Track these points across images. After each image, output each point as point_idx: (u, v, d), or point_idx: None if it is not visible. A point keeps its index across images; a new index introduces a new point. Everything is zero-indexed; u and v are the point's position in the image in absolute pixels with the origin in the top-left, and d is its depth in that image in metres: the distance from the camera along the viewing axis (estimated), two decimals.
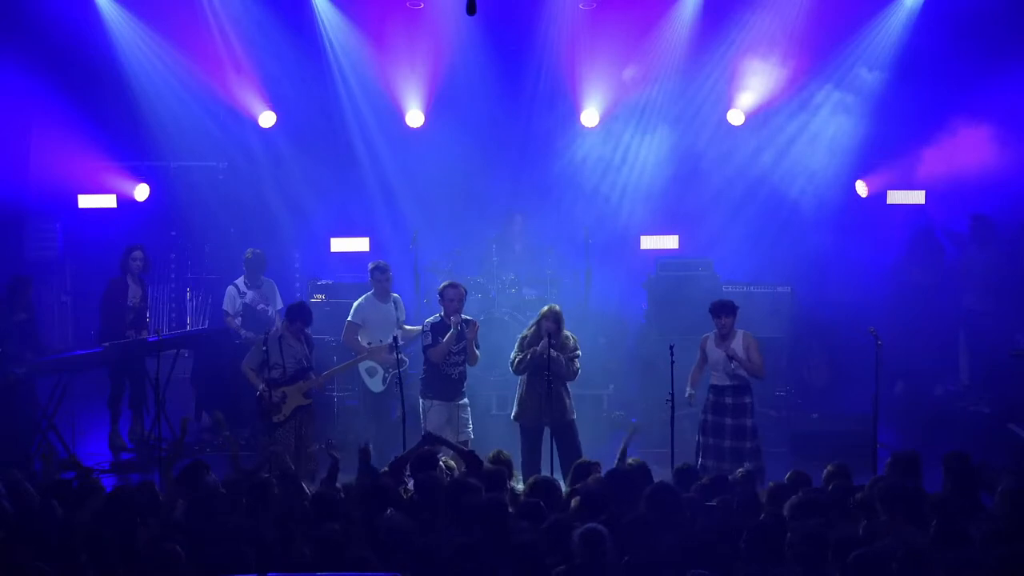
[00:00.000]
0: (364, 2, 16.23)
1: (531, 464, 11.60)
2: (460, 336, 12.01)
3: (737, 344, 11.81)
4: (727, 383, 11.80)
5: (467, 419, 12.18)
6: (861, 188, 16.24)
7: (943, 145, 15.72)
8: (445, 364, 12.01)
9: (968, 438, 12.70)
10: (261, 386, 11.98)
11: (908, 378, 15.24)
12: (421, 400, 12.15)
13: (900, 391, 15.14)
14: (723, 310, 11.86)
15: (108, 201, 16.17)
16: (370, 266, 13.41)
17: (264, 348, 11.94)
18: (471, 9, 8.38)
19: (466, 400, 12.26)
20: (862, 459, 10.96)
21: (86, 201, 16.07)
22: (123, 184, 16.21)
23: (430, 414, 12.03)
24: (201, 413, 14.80)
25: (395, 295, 13.36)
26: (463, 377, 12.17)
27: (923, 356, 15.28)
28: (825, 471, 9.35)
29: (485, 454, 9.99)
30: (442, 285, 12.28)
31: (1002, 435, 13.61)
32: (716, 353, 11.87)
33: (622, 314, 16.08)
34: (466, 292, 12.29)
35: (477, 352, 12.15)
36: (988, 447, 12.68)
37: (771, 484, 9.27)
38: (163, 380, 12.34)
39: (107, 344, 13.76)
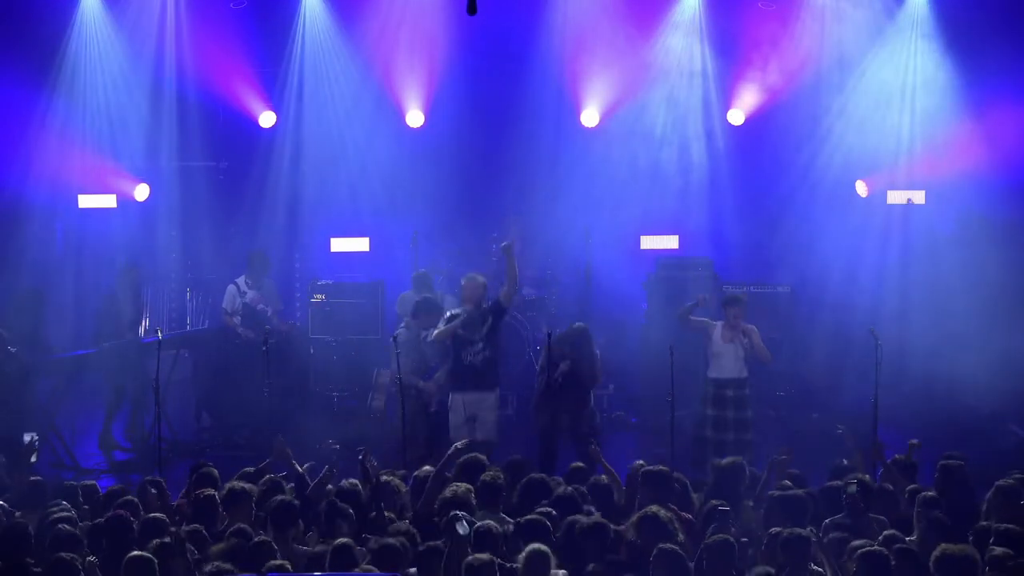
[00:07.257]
0: (365, 2, 16.24)
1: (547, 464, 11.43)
2: (475, 322, 11.72)
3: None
4: (729, 376, 12.01)
5: (492, 420, 11.65)
6: (861, 188, 16.22)
7: (944, 144, 15.74)
8: (462, 350, 11.65)
9: (968, 438, 12.68)
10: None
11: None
12: (450, 395, 11.83)
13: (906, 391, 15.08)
14: (736, 301, 12.23)
15: (108, 201, 16.15)
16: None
17: (264, 349, 11.87)
18: (471, 9, 8.38)
19: (494, 396, 11.76)
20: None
21: (86, 201, 16.05)
22: (123, 184, 16.20)
23: (451, 413, 11.67)
24: (201, 413, 14.78)
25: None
26: (488, 366, 11.67)
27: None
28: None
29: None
30: (464, 277, 12.13)
31: (1002, 435, 13.60)
32: (721, 346, 12.05)
33: (622, 314, 16.05)
34: (485, 283, 12.05)
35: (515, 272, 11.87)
36: (988, 447, 12.69)
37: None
38: (163, 380, 12.30)
39: (106, 344, 13.75)
